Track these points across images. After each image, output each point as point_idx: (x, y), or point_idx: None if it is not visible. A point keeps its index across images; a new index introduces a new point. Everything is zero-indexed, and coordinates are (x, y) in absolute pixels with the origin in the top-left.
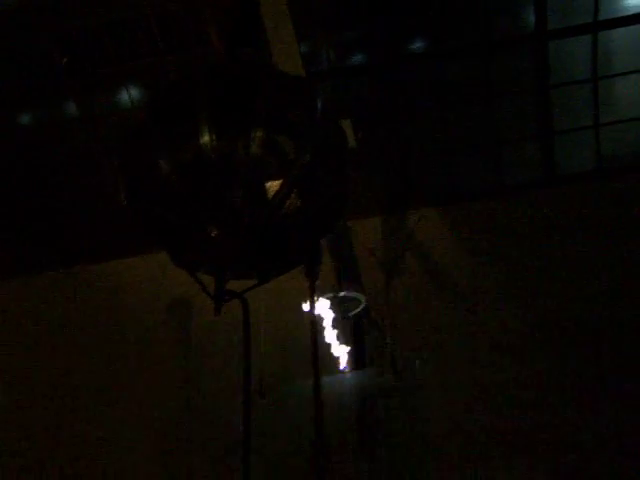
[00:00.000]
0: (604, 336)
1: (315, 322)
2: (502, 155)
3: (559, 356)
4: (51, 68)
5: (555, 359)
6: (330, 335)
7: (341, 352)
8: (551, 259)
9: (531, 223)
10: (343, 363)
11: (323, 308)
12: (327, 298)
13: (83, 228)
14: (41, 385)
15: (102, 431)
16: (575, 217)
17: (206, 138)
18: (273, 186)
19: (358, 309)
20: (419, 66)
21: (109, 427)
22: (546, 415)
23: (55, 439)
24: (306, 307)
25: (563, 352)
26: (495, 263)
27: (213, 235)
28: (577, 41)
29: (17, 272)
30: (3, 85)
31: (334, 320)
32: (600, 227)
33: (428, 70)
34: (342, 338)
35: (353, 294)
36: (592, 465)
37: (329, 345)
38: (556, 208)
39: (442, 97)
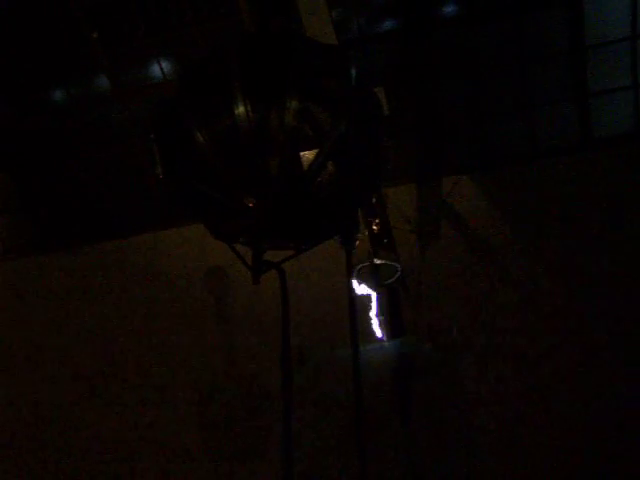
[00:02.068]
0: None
1: (352, 291)
2: (537, 119)
3: (598, 318)
4: (82, 42)
5: (594, 321)
6: (367, 304)
7: (378, 320)
8: (587, 223)
9: (567, 187)
10: (380, 331)
11: (359, 277)
12: (363, 266)
13: (118, 202)
14: (79, 354)
15: (140, 399)
16: (612, 180)
17: (241, 109)
18: (308, 156)
19: (394, 277)
20: (451, 31)
21: (148, 396)
22: (585, 381)
23: (92, 403)
24: (343, 276)
25: (602, 313)
26: (530, 228)
27: (250, 205)
28: None
29: (53, 246)
30: (35, 59)
31: (370, 288)
32: (638, 190)
33: (460, 34)
34: (378, 306)
35: (389, 262)
36: None
37: (366, 313)
38: (592, 171)
39: (475, 61)
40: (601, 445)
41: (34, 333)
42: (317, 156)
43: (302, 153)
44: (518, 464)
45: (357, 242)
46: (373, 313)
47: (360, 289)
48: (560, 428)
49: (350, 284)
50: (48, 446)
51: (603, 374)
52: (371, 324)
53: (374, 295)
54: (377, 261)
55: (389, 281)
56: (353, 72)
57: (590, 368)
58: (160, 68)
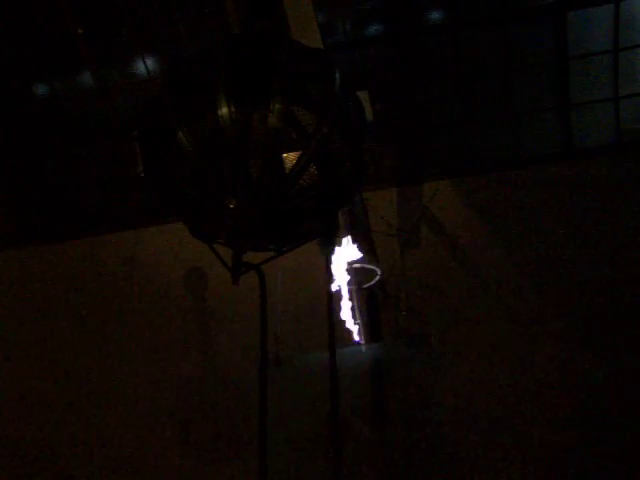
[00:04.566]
0: (614, 298)
1: (331, 294)
2: (519, 127)
3: (577, 322)
4: (67, 37)
5: (573, 326)
6: (345, 307)
7: (356, 324)
8: (567, 231)
9: (547, 195)
10: (358, 335)
11: (338, 280)
12: (343, 270)
13: (99, 198)
14: (56, 351)
15: (117, 399)
16: (592, 190)
17: (224, 110)
18: (291, 158)
19: (373, 281)
20: (436, 37)
21: (125, 395)
22: (562, 377)
23: (69, 404)
24: (322, 279)
25: (580, 317)
26: (510, 235)
27: (231, 206)
28: (597, 11)
29: (32, 241)
30: (20, 55)
31: (349, 292)
32: (617, 199)
33: (446, 41)
34: (357, 310)
35: (368, 266)
36: None
37: (344, 317)
38: (574, 180)
39: (459, 68)
40: (582, 441)
41: (11, 328)
42: (299, 158)
43: (284, 155)
44: (498, 463)
45: (337, 245)
46: (351, 316)
47: (339, 292)
48: (541, 429)
49: (329, 287)
50: (29, 445)
51: (584, 376)
52: (349, 327)
53: (353, 298)
54: (357, 264)
55: (368, 285)
56: (337, 76)
57: (570, 368)
58: (145, 65)
